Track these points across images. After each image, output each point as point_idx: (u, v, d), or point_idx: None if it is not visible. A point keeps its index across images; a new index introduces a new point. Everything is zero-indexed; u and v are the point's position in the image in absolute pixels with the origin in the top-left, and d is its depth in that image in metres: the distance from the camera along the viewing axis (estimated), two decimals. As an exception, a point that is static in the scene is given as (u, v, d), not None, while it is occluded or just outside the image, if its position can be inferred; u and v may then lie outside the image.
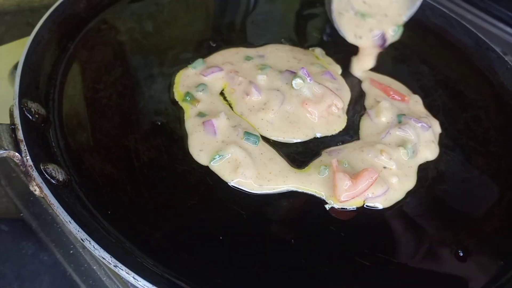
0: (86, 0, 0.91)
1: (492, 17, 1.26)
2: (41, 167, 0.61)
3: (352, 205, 0.71)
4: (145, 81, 0.83)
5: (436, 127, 0.86)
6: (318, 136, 0.80)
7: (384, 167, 0.75)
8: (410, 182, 0.76)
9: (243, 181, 0.70)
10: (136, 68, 0.86)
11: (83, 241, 0.56)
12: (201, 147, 0.73)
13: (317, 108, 0.81)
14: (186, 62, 0.88)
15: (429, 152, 0.81)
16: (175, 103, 0.80)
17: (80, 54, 0.84)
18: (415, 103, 0.90)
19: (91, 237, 0.55)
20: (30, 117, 0.67)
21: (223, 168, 0.71)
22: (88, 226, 0.59)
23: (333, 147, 0.79)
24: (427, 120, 0.85)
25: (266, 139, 0.77)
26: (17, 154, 0.61)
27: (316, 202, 0.71)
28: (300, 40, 1.02)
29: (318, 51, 0.98)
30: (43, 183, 0.59)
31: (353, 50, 0.95)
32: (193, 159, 0.72)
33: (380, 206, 0.72)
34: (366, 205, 0.71)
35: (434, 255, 0.68)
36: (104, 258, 0.55)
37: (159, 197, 0.67)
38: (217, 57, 0.90)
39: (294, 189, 0.71)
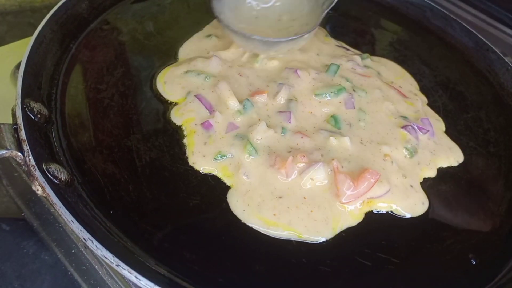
0: (88, 0, 0.92)
1: (492, 18, 1.26)
2: (44, 167, 0.61)
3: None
4: (146, 82, 0.84)
5: (439, 128, 0.86)
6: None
7: (391, 172, 0.75)
8: (413, 184, 0.76)
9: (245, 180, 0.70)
10: (138, 68, 0.86)
11: (85, 240, 0.56)
12: (203, 146, 0.73)
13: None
14: (187, 63, 0.88)
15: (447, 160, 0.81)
16: (176, 103, 0.80)
17: (82, 54, 0.85)
18: (418, 103, 0.90)
19: (93, 237, 0.56)
20: (33, 117, 0.67)
21: (224, 169, 0.71)
22: (91, 225, 0.59)
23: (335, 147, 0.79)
24: (428, 121, 0.85)
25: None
26: (19, 154, 0.62)
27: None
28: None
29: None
30: (46, 182, 0.59)
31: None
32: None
33: (382, 208, 0.72)
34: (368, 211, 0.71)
35: (433, 255, 0.69)
36: (106, 258, 0.55)
37: (161, 197, 0.67)
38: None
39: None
